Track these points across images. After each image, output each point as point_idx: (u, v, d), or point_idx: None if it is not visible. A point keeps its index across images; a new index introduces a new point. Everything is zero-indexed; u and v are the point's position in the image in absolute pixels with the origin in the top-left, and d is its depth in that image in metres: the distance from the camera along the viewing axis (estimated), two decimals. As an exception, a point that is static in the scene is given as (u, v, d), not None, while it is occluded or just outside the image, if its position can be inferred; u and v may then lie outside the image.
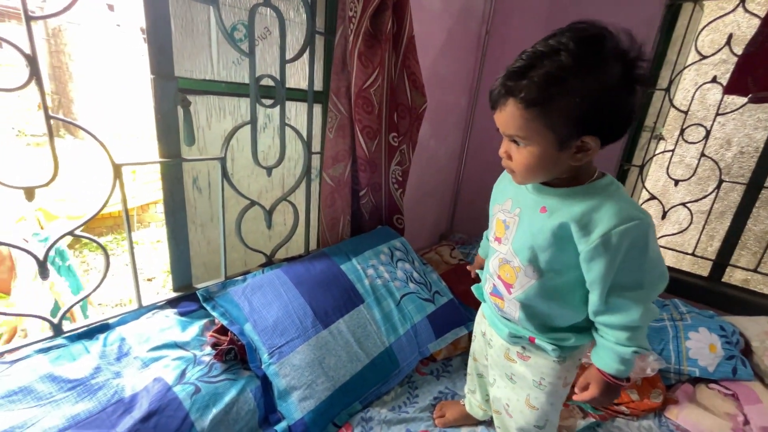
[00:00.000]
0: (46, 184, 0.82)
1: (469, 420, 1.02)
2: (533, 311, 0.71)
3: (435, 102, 1.58)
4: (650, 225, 0.59)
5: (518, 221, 0.69)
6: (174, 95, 0.98)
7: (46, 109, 0.78)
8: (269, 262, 1.30)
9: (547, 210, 0.64)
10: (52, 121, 0.80)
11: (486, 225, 1.04)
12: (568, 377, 0.76)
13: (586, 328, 0.71)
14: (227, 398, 0.89)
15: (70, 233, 0.90)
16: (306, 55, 1.20)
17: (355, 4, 1.14)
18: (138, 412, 0.78)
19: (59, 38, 7.80)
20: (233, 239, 1.20)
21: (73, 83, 7.45)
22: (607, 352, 0.65)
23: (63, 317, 0.93)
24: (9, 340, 1.19)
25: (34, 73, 0.75)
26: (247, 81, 1.13)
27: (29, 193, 0.81)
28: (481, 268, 1.01)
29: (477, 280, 0.94)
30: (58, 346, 0.90)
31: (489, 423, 1.03)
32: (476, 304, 1.38)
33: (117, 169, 0.91)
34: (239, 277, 1.18)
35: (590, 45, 0.54)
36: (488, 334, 0.85)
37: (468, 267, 1.02)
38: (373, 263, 1.26)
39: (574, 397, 0.70)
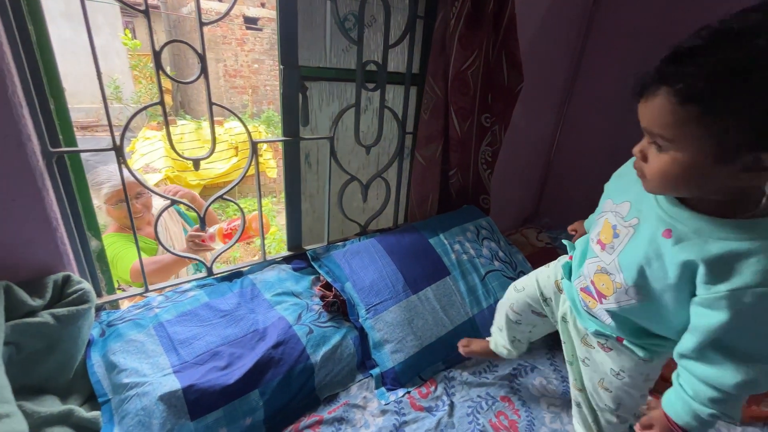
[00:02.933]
0: (207, 157, 1.04)
1: (492, 356, 1.04)
2: (626, 321, 0.65)
3: (530, 80, 1.53)
4: None
5: (633, 234, 0.58)
6: (297, 82, 1.14)
7: (209, 96, 0.99)
8: (363, 232, 1.46)
9: (673, 236, 0.52)
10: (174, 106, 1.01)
11: (578, 212, 0.98)
12: (651, 374, 0.72)
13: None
14: (333, 341, 1.06)
15: (220, 197, 1.13)
16: (406, 40, 1.27)
17: (458, -14, 1.17)
18: (269, 341, 0.98)
19: (179, 28, 8.96)
20: (333, 209, 1.36)
21: (189, 68, 8.55)
22: (680, 399, 0.56)
23: (213, 262, 1.18)
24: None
25: (203, 69, 0.95)
26: (353, 67, 1.25)
27: (196, 164, 1.04)
28: (575, 232, 0.96)
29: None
30: (210, 284, 1.16)
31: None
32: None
33: (254, 146, 1.10)
34: (340, 243, 1.35)
35: None
36: (568, 316, 0.83)
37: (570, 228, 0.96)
38: (460, 239, 1.33)
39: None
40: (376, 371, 1.07)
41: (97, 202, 1.39)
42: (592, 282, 0.68)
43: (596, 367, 0.76)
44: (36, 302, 0.81)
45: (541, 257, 1.43)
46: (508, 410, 1.03)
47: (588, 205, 2.24)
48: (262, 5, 8.37)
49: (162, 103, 0.93)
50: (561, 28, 1.72)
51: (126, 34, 6.21)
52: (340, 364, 1.05)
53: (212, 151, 1.03)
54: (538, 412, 1.04)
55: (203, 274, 1.18)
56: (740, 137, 0.42)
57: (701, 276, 0.50)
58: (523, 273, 1.31)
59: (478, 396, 1.06)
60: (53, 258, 0.87)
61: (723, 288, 0.48)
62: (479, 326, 1.18)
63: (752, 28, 0.40)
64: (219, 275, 1.19)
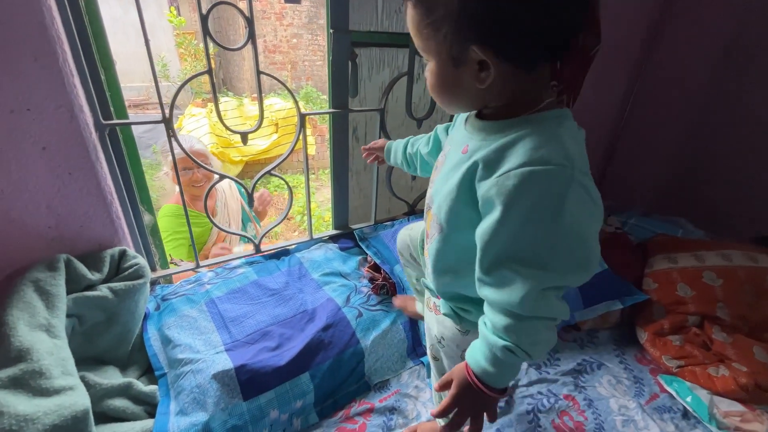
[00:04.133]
0: (256, 130, 1.00)
1: (418, 316, 1.01)
2: (441, 266, 0.60)
3: (603, 43, 1.34)
4: (572, 179, 0.42)
5: (444, 162, 0.58)
6: (347, 49, 1.04)
7: (257, 65, 0.93)
8: (411, 212, 1.38)
9: (468, 150, 0.51)
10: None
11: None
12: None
13: None
14: (383, 325, 1.01)
15: (268, 173, 1.09)
16: (466, -2, 1.13)
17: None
18: (319, 323, 0.95)
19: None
20: (381, 187, 1.29)
21: (229, 45, 8.63)
22: (480, 341, 0.51)
23: (260, 240, 1.16)
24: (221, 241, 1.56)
25: (251, 34, 0.89)
26: (406, 30, 1.14)
27: (244, 138, 0.99)
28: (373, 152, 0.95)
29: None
30: (258, 262, 1.14)
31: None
32: (634, 278, 1.24)
33: (303, 118, 1.04)
34: (388, 222, 1.28)
35: None
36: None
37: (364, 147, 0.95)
38: (519, 222, 1.21)
39: (432, 412, 0.57)
40: (427, 358, 1.02)
41: (166, 168, 1.43)
42: (426, 225, 0.63)
43: (428, 333, 0.75)
44: (95, 276, 0.81)
45: (610, 243, 1.29)
46: (573, 410, 0.94)
47: (659, 186, 2.00)
48: (301, -23, 8.17)
49: (210, 72, 0.88)
50: (644, -20, 1.48)
51: (171, 12, 6.33)
52: (390, 350, 1.00)
53: (260, 123, 0.98)
54: (607, 414, 0.94)
55: (251, 250, 1.17)
56: (452, 32, 0.45)
57: (479, 174, 0.47)
58: (591, 261, 1.18)
59: (539, 393, 0.97)
60: (109, 232, 0.87)
61: (493, 176, 0.45)
62: (540, 317, 1.08)
63: None
64: (267, 253, 1.17)
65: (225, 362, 0.81)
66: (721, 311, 1.07)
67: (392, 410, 0.89)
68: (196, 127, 4.53)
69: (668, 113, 1.71)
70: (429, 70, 0.51)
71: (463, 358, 0.58)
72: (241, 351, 0.86)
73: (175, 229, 1.41)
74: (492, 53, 0.44)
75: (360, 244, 1.21)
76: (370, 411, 0.88)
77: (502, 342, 0.47)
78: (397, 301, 1.04)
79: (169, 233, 1.40)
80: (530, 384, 0.99)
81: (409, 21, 0.50)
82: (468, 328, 0.64)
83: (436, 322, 0.69)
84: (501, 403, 0.94)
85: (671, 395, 0.98)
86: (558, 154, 0.43)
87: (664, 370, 1.05)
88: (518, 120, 0.48)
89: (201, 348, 0.86)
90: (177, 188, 1.45)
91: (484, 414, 0.53)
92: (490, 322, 0.50)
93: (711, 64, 1.57)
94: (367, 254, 1.19)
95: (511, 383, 0.50)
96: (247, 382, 0.81)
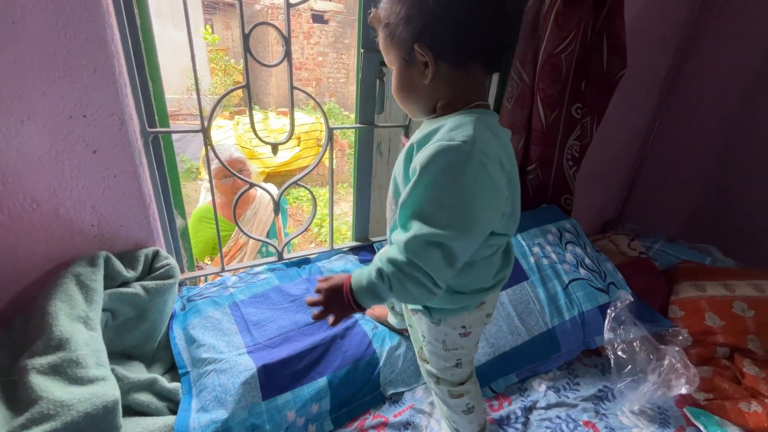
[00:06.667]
0: (285, 142, 1.04)
1: (387, 324, 1.04)
2: None
3: (629, 65, 1.35)
4: (471, 155, 0.51)
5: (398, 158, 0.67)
6: (376, 68, 1.09)
7: (291, 80, 0.98)
8: (431, 227, 1.39)
9: (410, 140, 0.61)
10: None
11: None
12: (447, 341, 0.74)
13: (455, 291, 0.67)
14: (397, 338, 1.01)
15: (294, 183, 1.13)
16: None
17: (559, -42, 1.04)
18: (337, 330, 0.96)
19: (253, 23, 9.45)
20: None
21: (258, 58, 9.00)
22: (370, 266, 0.59)
23: (285, 246, 1.19)
24: (234, 252, 1.60)
25: (287, 53, 0.94)
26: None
27: (275, 149, 1.04)
28: None
29: None
30: (279, 269, 1.17)
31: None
32: (659, 305, 1.21)
33: (330, 132, 1.08)
34: (407, 237, 1.29)
35: None
36: None
37: None
38: (539, 242, 1.21)
39: (307, 301, 0.64)
40: (442, 375, 1.01)
41: (213, 169, 1.50)
42: (389, 217, 0.71)
43: (415, 335, 0.81)
44: (129, 274, 0.86)
45: (634, 268, 1.26)
46: (593, 438, 0.91)
47: (686, 211, 1.96)
48: (329, -2, 8.52)
49: (248, 86, 0.93)
50: (670, 5, 1.49)
51: (207, 29, 6.67)
52: (405, 362, 1.00)
53: (291, 134, 1.03)
54: (629, 444, 0.91)
55: (274, 258, 1.20)
56: (403, 37, 0.55)
57: (414, 154, 0.56)
58: (614, 284, 1.16)
59: (557, 417, 0.95)
60: (145, 233, 0.92)
61: (420, 154, 0.54)
62: (560, 339, 1.06)
63: None
64: (288, 260, 1.20)
65: (247, 363, 0.83)
66: (752, 344, 1.03)
67: (406, 425, 0.88)
68: (223, 138, 4.70)
69: (697, 137, 1.68)
70: (393, 76, 0.61)
71: (444, 349, 0.74)
72: (262, 354, 0.88)
73: (196, 229, 1.47)
74: (429, 52, 0.54)
75: (379, 256, 1.22)
76: (384, 425, 0.88)
77: (379, 264, 0.56)
78: (369, 309, 1.07)
79: (194, 240, 1.45)
80: (549, 407, 0.97)
81: (379, 40, 0.60)
82: (439, 317, 0.71)
83: (416, 323, 0.77)
84: (518, 426, 0.92)
85: (698, 429, 0.94)
86: (464, 135, 0.52)
87: (691, 402, 1.01)
88: (450, 114, 0.58)
89: (224, 349, 0.88)
90: (201, 196, 1.52)
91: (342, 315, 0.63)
92: (382, 252, 0.59)
93: (741, 90, 1.55)
94: (386, 267, 1.21)
95: (370, 305, 0.60)
96: (267, 382, 0.82)
